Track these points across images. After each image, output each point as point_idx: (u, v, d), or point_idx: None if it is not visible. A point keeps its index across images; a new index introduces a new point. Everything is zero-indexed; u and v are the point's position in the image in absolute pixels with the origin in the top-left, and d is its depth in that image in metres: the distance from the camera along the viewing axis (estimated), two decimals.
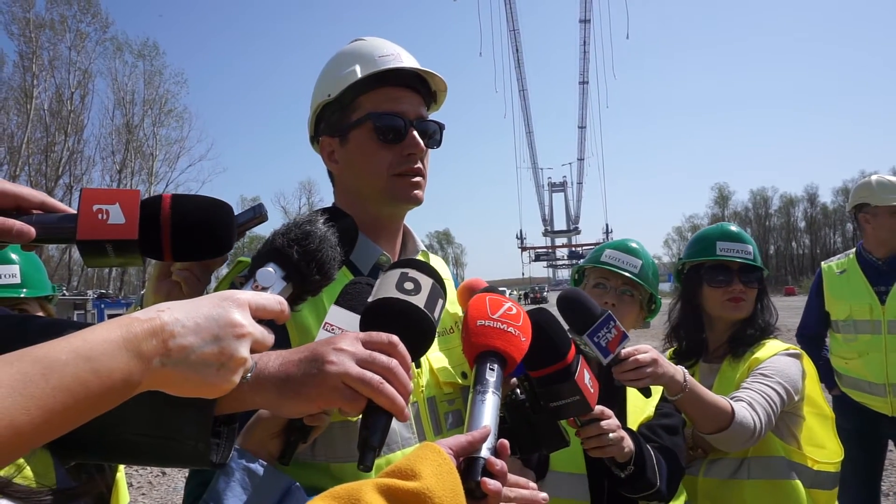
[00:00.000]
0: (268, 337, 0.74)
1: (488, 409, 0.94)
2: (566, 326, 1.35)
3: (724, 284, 2.25)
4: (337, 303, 1.01)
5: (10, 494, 1.12)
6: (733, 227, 2.36)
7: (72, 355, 0.57)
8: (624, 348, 1.56)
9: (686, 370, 1.74)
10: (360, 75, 1.27)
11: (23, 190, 0.84)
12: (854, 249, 3.69)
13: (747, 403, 1.90)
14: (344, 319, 0.98)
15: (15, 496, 1.15)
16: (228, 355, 0.67)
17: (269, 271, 0.90)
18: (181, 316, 0.65)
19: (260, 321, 0.74)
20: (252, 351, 0.71)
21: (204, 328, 0.66)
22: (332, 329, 0.96)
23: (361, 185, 1.31)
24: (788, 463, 2.05)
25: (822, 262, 3.89)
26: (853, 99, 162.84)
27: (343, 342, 0.86)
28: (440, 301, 1.01)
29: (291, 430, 0.99)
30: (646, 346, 1.65)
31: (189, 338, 0.65)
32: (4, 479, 1.00)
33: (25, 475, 1.23)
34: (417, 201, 1.32)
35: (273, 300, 0.77)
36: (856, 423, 3.49)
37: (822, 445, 2.17)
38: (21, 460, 1.01)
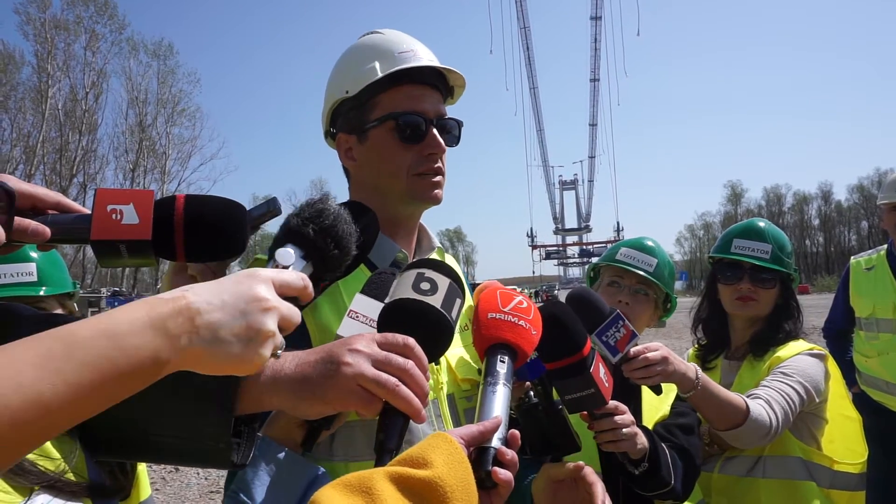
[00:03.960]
0: (295, 312, 0.74)
1: (499, 401, 0.94)
2: None
3: (733, 282, 2.24)
4: (363, 291, 1.01)
5: (54, 487, 1.13)
6: (761, 223, 2.31)
7: (96, 332, 0.57)
8: (634, 346, 1.55)
9: (699, 368, 1.73)
10: (379, 73, 1.25)
11: (38, 190, 0.85)
12: (885, 246, 3.63)
13: (764, 401, 1.88)
14: (369, 307, 0.98)
15: (57, 488, 1.17)
16: (256, 329, 0.67)
17: (288, 251, 0.90)
18: (206, 294, 0.66)
19: (286, 299, 0.74)
20: (280, 329, 0.71)
21: (230, 304, 0.66)
22: (357, 316, 0.97)
23: (380, 184, 1.30)
24: (805, 463, 2.03)
25: (852, 258, 3.83)
26: (868, 96, 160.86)
27: (359, 343, 0.86)
28: (458, 301, 1.00)
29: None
30: (657, 343, 1.64)
31: (215, 314, 0.65)
32: (54, 475, 1.01)
33: (59, 468, 1.26)
34: (437, 200, 1.30)
35: (295, 276, 0.78)
36: (874, 421, 3.45)
37: (847, 447, 2.14)
38: (64, 465, 1.03)
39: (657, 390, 1.65)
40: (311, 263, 0.92)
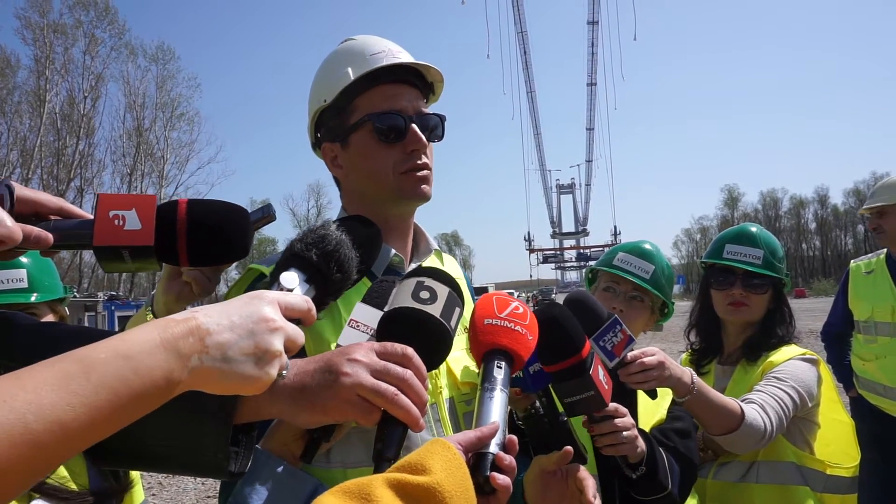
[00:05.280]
0: (299, 333, 0.75)
1: (496, 406, 0.94)
2: None
3: (725, 287, 2.25)
4: (364, 300, 1.01)
5: (51, 494, 1.13)
6: (753, 229, 2.32)
7: (111, 354, 0.58)
8: (631, 351, 1.55)
9: (694, 372, 1.73)
10: (353, 77, 1.25)
11: (41, 196, 0.86)
12: (884, 250, 3.66)
13: (758, 405, 1.89)
14: (370, 316, 0.98)
15: (55, 496, 1.17)
16: (264, 349, 0.69)
17: (293, 275, 0.91)
18: (216, 315, 0.68)
19: (290, 321, 0.76)
20: (285, 350, 0.73)
21: (238, 325, 0.68)
22: (358, 326, 0.97)
23: (368, 187, 1.30)
24: (798, 468, 2.04)
25: (852, 262, 3.87)
26: (864, 99, 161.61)
27: (357, 353, 0.86)
28: (457, 309, 1.01)
29: (315, 429, 0.99)
30: (653, 348, 1.64)
31: (225, 334, 0.67)
32: (53, 481, 1.01)
33: (58, 474, 1.24)
34: (426, 197, 1.30)
35: (300, 299, 0.79)
36: (871, 426, 3.47)
37: (841, 450, 2.16)
38: (62, 470, 1.03)
39: (652, 395, 1.65)
40: (313, 287, 0.94)
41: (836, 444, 2.18)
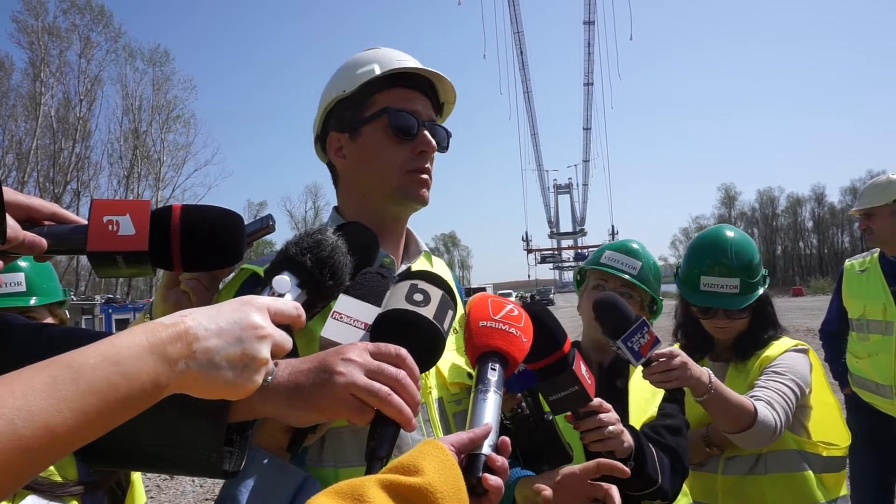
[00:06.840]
0: (287, 340, 0.75)
1: (490, 408, 0.95)
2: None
3: (707, 317, 2.27)
4: (346, 292, 1.01)
5: (35, 488, 1.14)
6: (724, 245, 2.24)
7: (100, 359, 0.59)
8: (656, 351, 1.61)
9: (711, 372, 1.78)
10: (378, 73, 1.29)
11: (34, 201, 0.86)
12: (878, 249, 3.65)
13: (765, 402, 1.94)
14: (353, 308, 0.99)
15: (40, 490, 1.18)
16: (251, 356, 0.69)
17: (285, 279, 0.91)
18: (204, 320, 0.68)
19: (278, 326, 0.76)
20: (272, 355, 0.73)
21: (226, 331, 0.68)
22: (341, 318, 0.97)
23: (370, 182, 1.31)
24: (800, 454, 2.12)
25: (846, 260, 3.88)
26: (860, 97, 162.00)
27: (351, 353, 0.87)
28: (450, 312, 1.01)
29: None
30: (676, 349, 1.70)
31: (213, 340, 0.67)
32: (42, 478, 1.02)
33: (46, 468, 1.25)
34: (424, 201, 1.32)
35: (290, 305, 0.79)
36: (866, 422, 3.49)
37: (832, 431, 2.23)
38: (51, 468, 1.03)
39: (678, 393, 1.71)
40: (305, 291, 0.94)
41: (827, 424, 2.24)
